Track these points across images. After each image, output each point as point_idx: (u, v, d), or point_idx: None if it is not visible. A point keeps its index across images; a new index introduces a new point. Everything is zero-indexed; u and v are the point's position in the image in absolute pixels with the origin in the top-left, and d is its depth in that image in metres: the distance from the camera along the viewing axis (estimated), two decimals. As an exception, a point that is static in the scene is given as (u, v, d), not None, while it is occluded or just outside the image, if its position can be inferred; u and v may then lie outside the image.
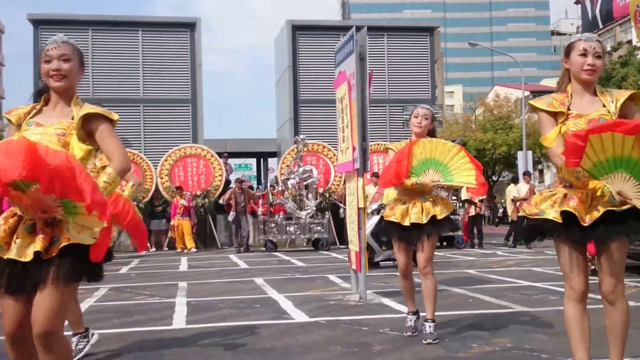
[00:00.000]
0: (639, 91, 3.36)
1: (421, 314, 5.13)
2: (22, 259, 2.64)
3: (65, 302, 2.68)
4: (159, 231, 17.26)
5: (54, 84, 2.93)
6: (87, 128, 2.96)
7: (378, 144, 18.76)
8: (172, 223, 16.74)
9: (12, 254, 2.65)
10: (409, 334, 5.04)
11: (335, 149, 16.56)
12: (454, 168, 4.85)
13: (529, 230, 3.38)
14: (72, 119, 2.93)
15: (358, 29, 7.13)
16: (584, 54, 3.31)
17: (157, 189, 17.53)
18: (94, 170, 3.58)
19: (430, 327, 4.83)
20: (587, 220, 3.12)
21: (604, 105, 3.28)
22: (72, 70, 2.96)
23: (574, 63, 3.34)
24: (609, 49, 38.45)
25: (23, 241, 2.68)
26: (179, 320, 5.99)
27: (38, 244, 2.65)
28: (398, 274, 5.25)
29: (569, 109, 3.31)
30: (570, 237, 3.22)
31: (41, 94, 3.06)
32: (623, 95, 3.31)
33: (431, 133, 5.20)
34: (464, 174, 4.82)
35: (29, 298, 2.68)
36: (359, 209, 7.04)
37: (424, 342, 4.73)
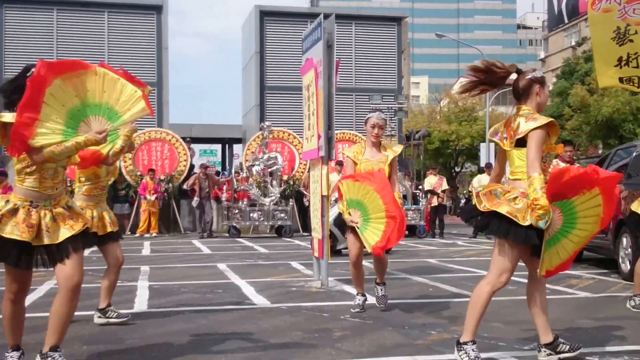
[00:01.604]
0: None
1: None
2: (56, 242, 3.48)
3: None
4: (121, 215, 16.97)
5: None
6: None
7: (344, 133, 18.80)
8: (142, 207, 16.49)
9: (46, 241, 3.46)
10: (357, 310, 5.55)
11: (301, 137, 16.54)
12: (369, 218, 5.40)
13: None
14: None
15: (326, 16, 7.12)
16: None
17: (120, 173, 17.26)
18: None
19: (381, 289, 5.75)
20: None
21: None
22: None
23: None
24: (573, 43, 39.18)
25: (52, 228, 3.50)
26: (141, 304, 5.95)
27: (68, 229, 3.54)
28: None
29: None
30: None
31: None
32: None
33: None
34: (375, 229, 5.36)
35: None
36: (322, 196, 7.06)
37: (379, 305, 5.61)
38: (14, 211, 3.44)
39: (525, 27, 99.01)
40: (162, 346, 4.34)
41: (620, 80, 7.22)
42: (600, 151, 25.90)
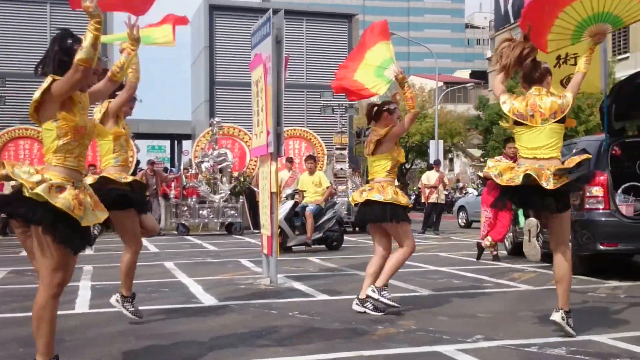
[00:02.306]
0: None
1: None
2: (99, 222, 3.44)
3: None
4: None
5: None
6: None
7: (295, 129, 18.77)
8: None
9: (92, 220, 3.31)
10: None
11: (251, 133, 16.45)
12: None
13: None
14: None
15: (275, 11, 7.08)
16: None
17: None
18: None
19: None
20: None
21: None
22: None
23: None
24: (518, 43, 39.94)
25: (94, 208, 3.37)
26: (82, 305, 5.81)
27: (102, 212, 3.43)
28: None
29: None
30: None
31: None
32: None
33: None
34: None
35: None
36: (271, 193, 7.02)
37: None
38: (59, 188, 3.14)
39: (473, 27, 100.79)
40: (104, 348, 4.24)
41: (561, 83, 7.41)
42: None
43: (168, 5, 9.12)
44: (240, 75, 19.19)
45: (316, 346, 4.21)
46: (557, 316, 4.43)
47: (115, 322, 5.05)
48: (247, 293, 6.44)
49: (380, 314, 5.23)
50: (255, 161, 16.87)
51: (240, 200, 15.77)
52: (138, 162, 18.25)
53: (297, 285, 6.91)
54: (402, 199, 5.37)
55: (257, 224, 16.19)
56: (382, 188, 5.34)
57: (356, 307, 5.38)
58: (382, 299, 5.25)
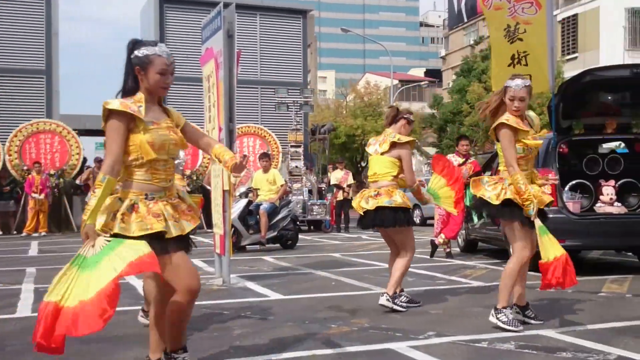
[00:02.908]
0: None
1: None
2: (183, 233, 3.26)
3: None
4: (6, 213, 15.95)
5: (162, 93, 3.34)
6: None
7: (248, 126, 18.61)
8: (30, 204, 15.51)
9: (174, 232, 3.19)
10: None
11: (203, 129, 16.24)
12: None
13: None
14: (169, 117, 3.41)
15: (226, 5, 6.96)
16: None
17: (4, 167, 16.20)
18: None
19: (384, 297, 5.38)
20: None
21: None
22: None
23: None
24: (471, 42, 40.70)
25: (177, 218, 3.26)
26: (24, 309, 5.63)
27: (189, 221, 3.32)
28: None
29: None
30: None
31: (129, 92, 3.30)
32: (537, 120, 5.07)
33: None
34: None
35: None
36: (224, 191, 6.93)
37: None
38: (131, 207, 3.13)
39: (427, 25, 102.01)
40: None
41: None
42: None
43: (118, -1, 8.89)
44: (192, 70, 18.88)
45: (269, 346, 4.17)
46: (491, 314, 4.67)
47: (60, 325, 4.88)
48: (200, 293, 6.32)
49: (412, 306, 5.50)
50: (208, 159, 16.66)
51: (194, 199, 15.53)
52: (85, 160, 17.78)
53: (251, 285, 6.84)
54: (409, 203, 5.43)
55: (210, 223, 16.01)
56: (390, 193, 5.35)
57: (386, 303, 5.32)
58: (396, 307, 5.30)
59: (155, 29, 19.74)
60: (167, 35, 19.89)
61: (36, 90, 18.07)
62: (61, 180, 16.31)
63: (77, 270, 2.89)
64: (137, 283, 7.00)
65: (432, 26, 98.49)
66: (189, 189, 15.22)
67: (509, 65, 7.69)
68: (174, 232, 3.17)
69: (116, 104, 3.15)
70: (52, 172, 16.23)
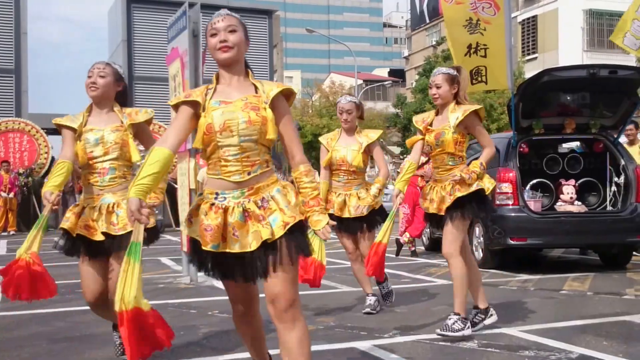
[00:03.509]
0: (479, 108, 4.38)
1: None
2: (249, 249, 2.56)
3: None
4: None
5: (221, 55, 2.67)
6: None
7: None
8: None
9: (234, 247, 2.58)
10: (369, 310, 5.19)
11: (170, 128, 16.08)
12: None
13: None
14: (257, 92, 2.71)
15: (192, 5, 6.96)
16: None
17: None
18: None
19: (370, 299, 5.25)
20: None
21: (448, 121, 4.37)
22: (239, 41, 2.71)
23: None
24: (434, 42, 41.14)
25: (242, 232, 2.57)
26: (-11, 310, 5.52)
27: (265, 233, 2.55)
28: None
29: (430, 125, 4.53)
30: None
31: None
32: (470, 108, 4.35)
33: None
34: None
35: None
36: (190, 190, 6.91)
37: (363, 311, 5.18)
38: (197, 207, 2.66)
39: (390, 26, 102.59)
40: (13, 351, 4.06)
41: (470, 74, 7.62)
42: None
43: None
44: (159, 70, 18.74)
45: (234, 345, 4.18)
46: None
47: (26, 324, 4.85)
48: (166, 292, 6.32)
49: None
50: (175, 157, 16.52)
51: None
52: (53, 158, 17.52)
53: (218, 283, 6.82)
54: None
55: (178, 222, 15.92)
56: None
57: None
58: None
59: (122, 29, 19.54)
60: (135, 35, 19.70)
61: (5, 90, 17.82)
62: (30, 179, 16.20)
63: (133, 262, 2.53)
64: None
65: (395, 27, 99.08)
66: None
67: (466, 55, 7.77)
68: (233, 248, 2.57)
69: (180, 98, 2.73)
70: (20, 170, 16.07)
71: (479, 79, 7.77)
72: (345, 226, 5.17)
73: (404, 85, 48.70)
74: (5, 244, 12.47)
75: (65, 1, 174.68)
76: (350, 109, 5.18)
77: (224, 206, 2.57)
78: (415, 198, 9.23)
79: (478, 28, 7.58)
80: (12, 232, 15.20)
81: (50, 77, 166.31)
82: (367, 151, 5.20)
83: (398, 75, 55.63)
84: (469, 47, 7.71)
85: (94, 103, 3.74)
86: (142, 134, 3.83)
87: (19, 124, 16.94)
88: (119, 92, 3.81)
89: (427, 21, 44.66)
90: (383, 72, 68.34)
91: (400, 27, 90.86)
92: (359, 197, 5.13)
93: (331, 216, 4.79)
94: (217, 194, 2.60)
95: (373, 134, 5.25)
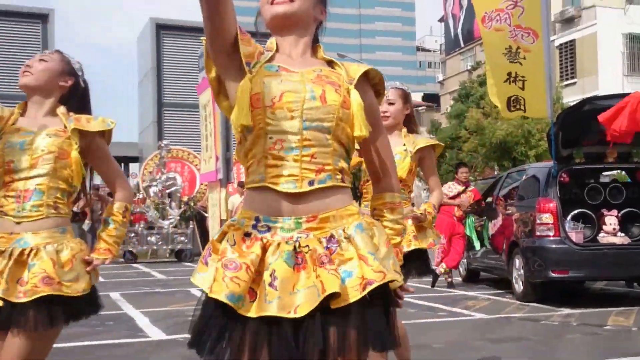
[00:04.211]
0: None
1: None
2: (293, 315, 1.55)
3: None
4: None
5: (270, 15, 1.78)
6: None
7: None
8: None
9: (269, 310, 1.56)
10: None
11: (201, 156, 16.20)
12: None
13: None
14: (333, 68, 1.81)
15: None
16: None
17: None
18: None
19: None
20: None
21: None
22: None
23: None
24: (469, 67, 40.96)
25: (286, 283, 1.57)
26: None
27: (332, 283, 1.55)
28: None
29: None
30: None
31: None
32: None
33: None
34: None
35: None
36: (221, 220, 6.85)
37: None
38: (224, 236, 1.74)
39: (424, 50, 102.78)
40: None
41: (508, 101, 7.54)
42: (495, 172, 27.09)
43: (116, 25, 8.92)
44: (189, 97, 18.94)
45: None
46: None
47: (57, 357, 4.77)
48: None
49: None
50: (206, 185, 16.59)
51: (191, 226, 15.40)
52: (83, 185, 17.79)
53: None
54: None
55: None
56: None
57: None
58: None
59: (152, 55, 19.86)
60: (164, 62, 19.99)
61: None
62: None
63: None
64: (135, 313, 6.89)
65: (429, 51, 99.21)
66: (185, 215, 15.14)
67: (505, 81, 7.74)
68: (268, 310, 1.56)
69: None
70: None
71: (517, 106, 7.66)
72: None
73: (438, 110, 48.51)
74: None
75: (92, 27, 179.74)
76: (393, 99, 3.57)
77: (265, 239, 1.64)
78: (452, 228, 9.09)
79: (518, 57, 7.51)
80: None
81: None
82: (417, 160, 3.55)
83: (432, 100, 55.51)
84: (509, 74, 7.65)
85: (27, 98, 2.60)
86: (95, 151, 2.58)
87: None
88: (68, 90, 2.60)
89: (462, 45, 44.54)
90: (417, 97, 68.19)
91: (434, 51, 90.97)
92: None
93: None
94: (257, 219, 1.67)
95: (423, 141, 3.61)
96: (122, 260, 14.99)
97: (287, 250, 1.60)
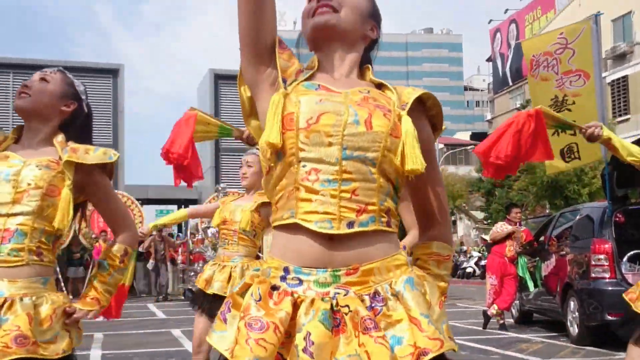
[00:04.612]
0: None
1: None
2: None
3: None
4: (76, 278, 16.67)
5: (314, 20, 1.55)
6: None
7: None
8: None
9: None
10: None
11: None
12: None
13: None
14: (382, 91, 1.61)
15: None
16: None
17: (75, 235, 16.93)
18: None
19: None
20: None
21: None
22: (353, 4, 1.59)
23: None
24: (517, 105, 40.70)
25: (323, 349, 1.31)
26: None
27: (381, 355, 1.30)
28: None
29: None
30: None
31: None
32: None
33: None
34: None
35: None
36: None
37: None
38: (247, 288, 1.46)
39: (472, 89, 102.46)
40: None
41: (562, 152, 7.49)
42: (547, 211, 26.67)
43: (176, 75, 9.42)
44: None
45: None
46: None
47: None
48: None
49: None
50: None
51: (247, 265, 15.72)
52: (147, 228, 18.45)
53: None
54: None
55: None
56: None
57: None
58: None
59: (210, 103, 20.68)
60: (221, 108, 20.74)
61: (104, 164, 19.19)
62: (128, 248, 16.97)
63: None
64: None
65: (477, 90, 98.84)
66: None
67: (554, 134, 7.68)
68: None
69: None
70: (118, 240, 16.91)
71: (572, 156, 7.57)
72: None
73: (486, 148, 48.02)
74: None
75: (156, 77, 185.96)
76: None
77: (296, 294, 1.38)
78: (503, 269, 9.05)
79: (565, 105, 7.50)
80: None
81: (142, 149, 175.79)
82: None
83: (480, 138, 55.00)
84: (555, 100, 7.59)
85: (24, 122, 2.24)
86: (93, 187, 2.24)
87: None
88: (70, 116, 2.29)
89: (510, 83, 44.38)
90: (465, 136, 67.84)
91: (481, 90, 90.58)
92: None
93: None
94: (286, 269, 1.41)
95: None
96: (183, 298, 15.36)
97: (323, 309, 1.33)
